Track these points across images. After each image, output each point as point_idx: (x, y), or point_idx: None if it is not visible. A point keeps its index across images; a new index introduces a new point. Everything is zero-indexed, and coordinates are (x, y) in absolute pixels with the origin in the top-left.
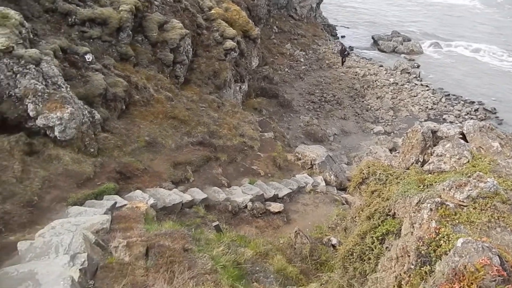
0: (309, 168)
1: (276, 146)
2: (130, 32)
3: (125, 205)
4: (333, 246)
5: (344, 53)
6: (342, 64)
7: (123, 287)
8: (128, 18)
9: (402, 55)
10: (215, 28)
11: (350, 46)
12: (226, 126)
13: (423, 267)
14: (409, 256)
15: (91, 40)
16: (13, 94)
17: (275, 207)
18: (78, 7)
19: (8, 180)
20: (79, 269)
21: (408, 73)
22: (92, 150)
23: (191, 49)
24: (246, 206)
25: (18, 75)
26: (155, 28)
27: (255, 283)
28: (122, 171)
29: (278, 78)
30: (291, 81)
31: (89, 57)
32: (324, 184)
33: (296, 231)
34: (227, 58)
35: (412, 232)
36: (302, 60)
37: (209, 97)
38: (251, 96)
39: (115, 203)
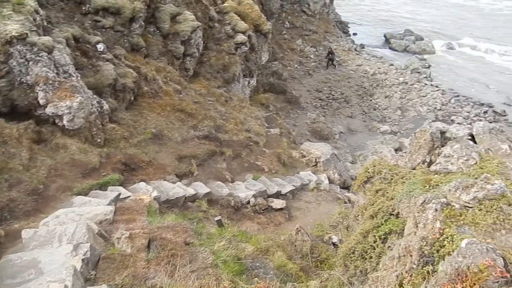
0: (313, 165)
1: (281, 142)
2: (143, 23)
3: (129, 196)
4: (334, 244)
5: (328, 56)
6: (327, 67)
7: (124, 278)
8: (142, 8)
9: (414, 55)
10: (227, 21)
11: (361, 44)
12: (232, 120)
13: (425, 267)
14: (411, 255)
15: (104, 29)
16: (25, 81)
17: (278, 203)
18: None
19: (15, 168)
20: (82, 259)
21: (419, 72)
22: (98, 140)
23: (202, 42)
24: (248, 202)
25: (30, 62)
26: (168, 19)
27: (255, 278)
28: (127, 163)
29: (287, 74)
30: (299, 77)
31: (100, 47)
32: (328, 182)
33: (297, 228)
34: (238, 52)
35: (415, 232)
36: (312, 56)
37: (217, 91)
38: (259, 91)
39: (119, 194)
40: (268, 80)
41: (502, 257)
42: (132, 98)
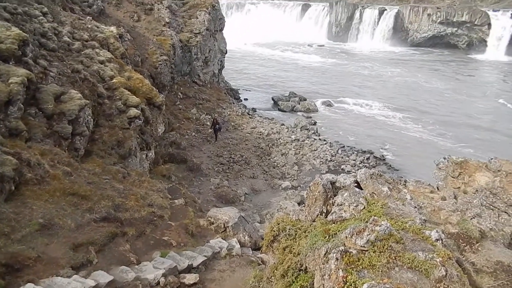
0: (222, 231)
1: (187, 212)
2: (22, 105)
3: None
4: None
5: (215, 127)
6: (215, 139)
7: None
8: (19, 90)
9: (300, 113)
10: (117, 97)
11: (253, 108)
12: (133, 197)
13: None
14: None
15: None
16: None
17: (190, 278)
18: None
19: None
20: None
21: (307, 129)
22: None
23: (91, 120)
24: (158, 283)
25: None
26: (51, 99)
27: None
28: (9, 263)
29: (185, 143)
30: (198, 144)
31: None
32: (239, 246)
33: None
34: (132, 126)
35: (323, 285)
36: (208, 123)
37: (113, 168)
38: (159, 163)
39: None
40: (167, 150)
41: None
42: (13, 188)
